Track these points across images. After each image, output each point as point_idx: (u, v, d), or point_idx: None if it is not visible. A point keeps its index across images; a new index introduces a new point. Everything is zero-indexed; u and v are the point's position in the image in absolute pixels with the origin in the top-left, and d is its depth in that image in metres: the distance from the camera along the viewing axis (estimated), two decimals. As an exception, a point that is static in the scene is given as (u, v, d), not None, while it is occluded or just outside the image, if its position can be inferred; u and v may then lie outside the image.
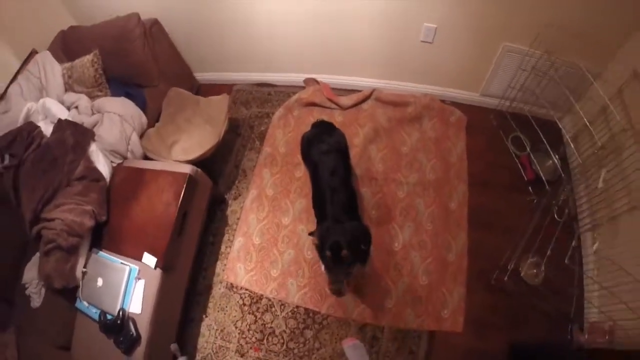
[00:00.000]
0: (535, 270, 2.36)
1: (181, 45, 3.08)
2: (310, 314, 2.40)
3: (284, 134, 2.97)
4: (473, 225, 2.54)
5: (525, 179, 2.65)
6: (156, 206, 2.24)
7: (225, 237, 2.72)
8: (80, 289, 2.19)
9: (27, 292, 2.33)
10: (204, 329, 2.47)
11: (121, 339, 2.02)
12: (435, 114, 2.86)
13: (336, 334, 2.32)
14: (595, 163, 2.34)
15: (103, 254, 2.24)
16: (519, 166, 2.70)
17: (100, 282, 2.16)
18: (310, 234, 1.94)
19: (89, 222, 2.15)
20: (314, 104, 2.96)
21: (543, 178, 2.55)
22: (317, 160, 2.13)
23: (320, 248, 1.83)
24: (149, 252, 2.14)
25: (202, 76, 3.39)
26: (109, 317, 2.08)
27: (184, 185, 2.23)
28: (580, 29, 2.20)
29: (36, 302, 2.30)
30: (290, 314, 2.41)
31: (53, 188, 2.20)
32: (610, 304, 1.97)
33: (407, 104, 2.88)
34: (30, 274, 2.34)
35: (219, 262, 2.64)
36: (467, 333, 2.25)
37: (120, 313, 2.05)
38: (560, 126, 2.48)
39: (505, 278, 2.29)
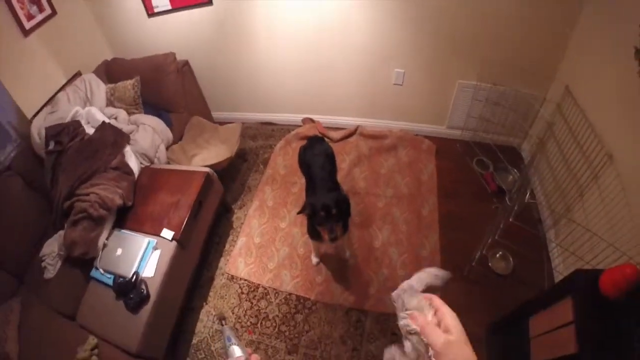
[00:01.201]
0: (504, 263, 2.57)
1: (204, 85, 3.62)
2: (301, 300, 2.56)
3: (283, 160, 3.39)
4: (445, 229, 2.80)
5: (489, 191, 2.95)
6: (177, 195, 2.53)
7: (230, 238, 2.96)
8: (98, 258, 2.34)
9: (43, 264, 2.46)
10: (202, 314, 2.59)
11: (131, 296, 2.14)
12: (408, 143, 3.30)
13: (324, 318, 2.47)
14: (540, 154, 2.67)
15: (125, 231, 2.45)
16: (483, 182, 3.01)
17: (119, 251, 2.33)
18: (299, 212, 2.26)
19: (119, 201, 2.40)
20: (309, 138, 3.46)
21: (504, 188, 2.85)
22: (310, 160, 2.52)
23: (311, 213, 2.18)
24: (168, 228, 2.38)
25: (217, 114, 3.87)
26: (123, 279, 2.21)
27: (203, 180, 2.57)
28: (517, 60, 2.66)
29: (50, 273, 2.42)
30: (283, 300, 2.57)
31: (92, 170, 2.48)
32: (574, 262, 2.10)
33: (384, 137, 3.34)
34: (50, 248, 2.49)
35: (222, 258, 2.85)
36: None
37: (135, 275, 2.20)
38: (520, 148, 2.85)
39: (473, 264, 2.49)
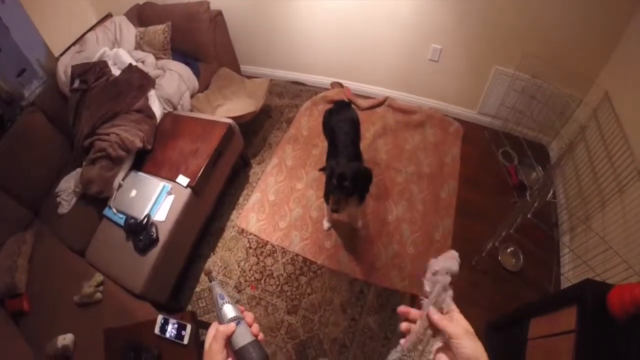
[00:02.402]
0: (514, 260, 2.47)
1: (235, 37, 3.41)
2: (307, 263, 2.50)
3: (308, 121, 3.24)
4: (460, 215, 2.68)
5: (511, 184, 2.80)
6: (197, 143, 2.45)
7: (245, 192, 2.88)
8: (112, 198, 2.31)
9: (58, 199, 2.45)
10: (209, 264, 2.56)
11: (141, 238, 2.12)
12: (436, 123, 3.12)
13: (327, 284, 2.41)
14: (568, 156, 2.51)
15: (142, 174, 2.39)
16: (506, 174, 2.86)
17: (134, 193, 2.29)
18: (320, 169, 2.19)
19: (139, 143, 2.33)
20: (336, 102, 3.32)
21: (526, 184, 2.70)
22: (335, 125, 2.39)
23: (329, 177, 2.10)
24: (184, 174, 2.31)
25: (245, 68, 3.71)
26: (134, 220, 2.19)
27: (225, 130, 2.47)
28: (560, 57, 2.49)
29: (64, 208, 2.42)
30: (289, 260, 2.52)
31: (115, 111, 2.42)
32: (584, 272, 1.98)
33: (413, 112, 3.16)
34: (66, 183, 2.49)
35: (234, 211, 2.78)
36: None
37: (146, 218, 2.16)
38: (549, 147, 2.68)
39: (483, 254, 2.41)
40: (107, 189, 2.29)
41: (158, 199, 2.27)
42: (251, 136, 3.19)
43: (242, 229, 2.70)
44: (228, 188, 2.87)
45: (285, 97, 3.55)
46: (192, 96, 2.89)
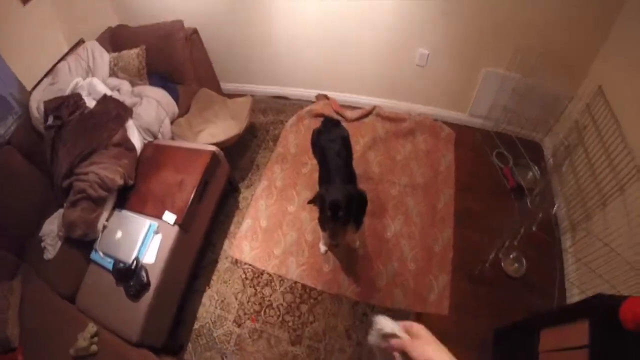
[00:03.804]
0: (517, 264, 2.43)
1: (213, 55, 3.27)
2: (307, 290, 2.43)
3: (295, 138, 3.15)
4: (458, 224, 2.64)
5: (508, 187, 2.76)
6: (182, 174, 2.35)
7: (235, 219, 2.79)
8: (98, 240, 2.21)
9: (43, 244, 2.34)
10: (205, 299, 2.47)
11: (131, 283, 2.03)
12: (427, 129, 3.06)
13: (329, 310, 2.35)
14: (567, 163, 2.50)
15: (126, 212, 2.29)
16: (502, 177, 2.82)
17: (119, 234, 2.19)
18: (309, 202, 2.09)
19: (119, 180, 2.23)
20: (323, 115, 3.15)
21: (524, 186, 2.66)
22: (325, 146, 2.30)
23: (321, 206, 2.02)
24: (170, 211, 2.21)
25: (226, 86, 3.59)
26: (123, 265, 2.09)
27: (209, 159, 2.38)
28: (551, 53, 2.44)
29: (50, 254, 2.31)
30: (288, 288, 2.44)
31: (92, 147, 2.30)
32: (590, 280, 1.99)
33: (402, 120, 3.10)
34: (50, 226, 2.37)
35: (226, 240, 2.69)
36: (451, 317, 2.29)
37: (135, 261, 2.07)
38: (542, 144, 2.65)
39: (487, 265, 2.38)
40: (91, 231, 2.19)
41: (145, 240, 2.17)
42: (237, 158, 3.10)
43: (236, 260, 2.62)
44: (218, 216, 2.77)
45: (269, 114, 3.45)
46: (172, 122, 2.78)
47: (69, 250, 2.28)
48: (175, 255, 2.19)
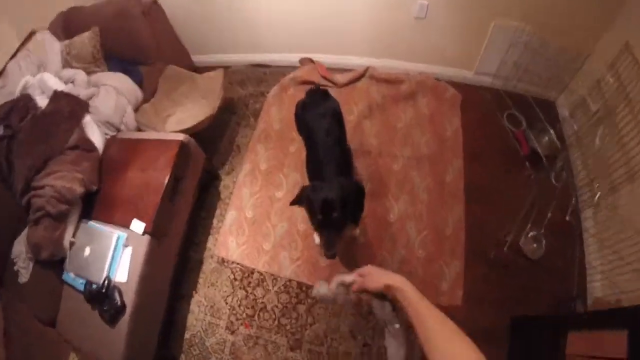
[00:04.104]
0: (535, 245, 2.21)
1: (179, 26, 2.94)
2: (303, 288, 2.25)
3: (278, 111, 2.86)
4: (469, 200, 2.41)
5: (522, 154, 2.51)
6: (148, 173, 2.11)
7: (218, 212, 2.57)
8: (67, 260, 2.05)
9: (15, 267, 2.18)
10: (193, 305, 2.31)
11: (105, 308, 1.86)
12: (429, 91, 2.76)
13: (330, 310, 2.17)
14: (591, 130, 2.23)
15: (93, 223, 2.09)
16: (515, 142, 2.57)
17: (87, 251, 2.01)
18: (292, 203, 1.75)
19: (79, 189, 2.02)
20: (309, 82, 2.85)
21: (540, 152, 2.41)
22: (312, 123, 2.01)
23: (309, 208, 1.68)
24: (138, 218, 1.99)
25: (198, 58, 3.25)
26: (95, 286, 1.92)
27: (177, 151, 2.10)
28: (567, 3, 2.15)
29: (24, 277, 2.15)
30: (282, 288, 2.27)
31: (46, 156, 2.09)
32: (614, 268, 1.85)
33: (401, 82, 2.78)
34: (19, 247, 2.19)
35: (210, 237, 2.50)
36: (466, 308, 2.11)
37: (106, 281, 1.89)
38: (555, 103, 2.41)
39: (505, 249, 2.16)
40: (58, 251, 2.01)
41: (115, 255, 1.97)
42: (215, 141, 2.84)
43: (222, 259, 2.42)
44: (198, 210, 2.55)
45: (248, 85, 3.14)
46: (137, 109, 2.50)
47: (42, 271, 2.12)
48: (150, 269, 1.99)
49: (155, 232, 1.98)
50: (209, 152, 2.55)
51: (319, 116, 2.00)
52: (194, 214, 2.44)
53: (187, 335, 2.25)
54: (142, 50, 2.64)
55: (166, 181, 2.04)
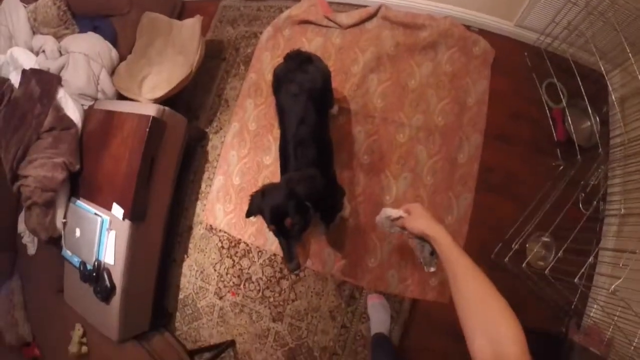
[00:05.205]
0: (543, 252, 2.11)
1: None
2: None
3: (271, 58, 2.67)
4: (481, 187, 2.28)
5: (555, 138, 2.24)
6: (123, 154, 2.15)
7: (205, 175, 2.68)
8: (63, 238, 2.30)
9: (23, 241, 2.49)
10: (185, 269, 2.60)
11: (98, 289, 2.13)
12: (455, 42, 2.40)
13: (312, 288, 2.34)
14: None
15: (80, 203, 2.28)
16: (550, 121, 2.27)
17: (78, 232, 2.24)
18: (248, 215, 1.52)
19: (61, 176, 2.15)
20: (307, 22, 2.57)
21: (575, 142, 2.14)
22: (285, 103, 1.76)
23: (263, 218, 1.47)
24: (118, 203, 2.13)
25: None
26: (88, 267, 2.17)
27: (148, 129, 2.08)
28: None
29: (31, 250, 2.47)
30: (267, 261, 2.44)
31: (24, 145, 2.19)
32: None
33: (421, 27, 2.42)
34: (22, 225, 2.45)
35: (199, 202, 2.66)
36: (453, 306, 2.04)
37: (96, 264, 2.14)
38: (607, 82, 1.98)
39: (506, 260, 2.06)
40: (53, 233, 2.26)
41: (101, 239, 2.18)
42: (202, 95, 2.79)
43: (211, 226, 2.60)
44: (186, 174, 2.67)
45: (239, 24, 2.92)
46: (113, 71, 2.46)
47: (47, 245, 2.38)
48: (135, 250, 2.17)
49: (134, 217, 2.12)
50: (195, 108, 2.56)
51: (293, 96, 1.73)
52: (182, 177, 2.53)
53: (181, 296, 2.59)
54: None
55: (139, 167, 2.08)
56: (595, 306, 1.95)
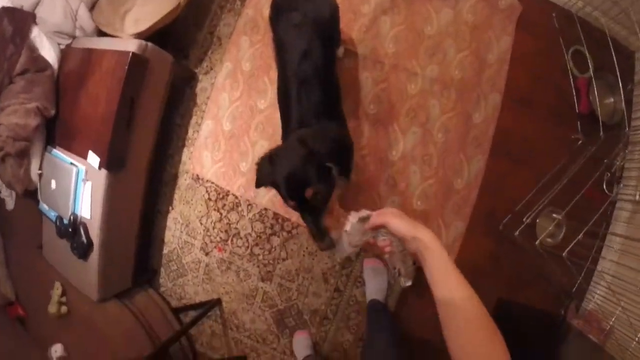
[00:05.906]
0: (553, 229, 2.06)
1: None
2: (279, 220, 2.38)
3: None
4: (495, 152, 2.23)
5: (577, 110, 2.18)
6: (100, 95, 2.01)
7: (193, 120, 2.56)
8: (39, 191, 2.23)
9: (0, 195, 2.38)
10: (170, 221, 2.56)
11: (75, 245, 2.09)
12: None
13: (305, 247, 2.33)
14: None
15: (56, 152, 2.18)
16: (573, 91, 2.19)
17: (54, 184, 2.16)
18: (257, 185, 1.35)
19: (34, 122, 2.02)
20: None
21: (599, 117, 2.09)
22: (285, 37, 1.60)
23: (274, 188, 1.30)
24: (94, 151, 2.02)
25: None
26: (64, 221, 2.11)
27: (126, 68, 1.92)
28: None
29: (10, 204, 2.38)
30: (257, 216, 2.41)
31: None
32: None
33: None
34: None
35: (185, 149, 2.55)
36: None
37: (72, 218, 2.09)
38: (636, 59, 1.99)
39: (516, 233, 2.03)
40: (28, 185, 2.18)
41: (77, 190, 2.09)
42: (193, 31, 2.58)
43: (197, 175, 2.51)
44: (173, 117, 2.55)
45: None
46: (93, 6, 2.24)
47: (25, 199, 2.31)
48: (113, 203, 2.07)
49: (111, 166, 2.01)
50: (185, 46, 2.40)
51: (295, 27, 1.56)
52: (168, 121, 2.45)
53: (165, 251, 2.57)
54: None
55: (116, 108, 1.93)
56: (597, 291, 2.01)
